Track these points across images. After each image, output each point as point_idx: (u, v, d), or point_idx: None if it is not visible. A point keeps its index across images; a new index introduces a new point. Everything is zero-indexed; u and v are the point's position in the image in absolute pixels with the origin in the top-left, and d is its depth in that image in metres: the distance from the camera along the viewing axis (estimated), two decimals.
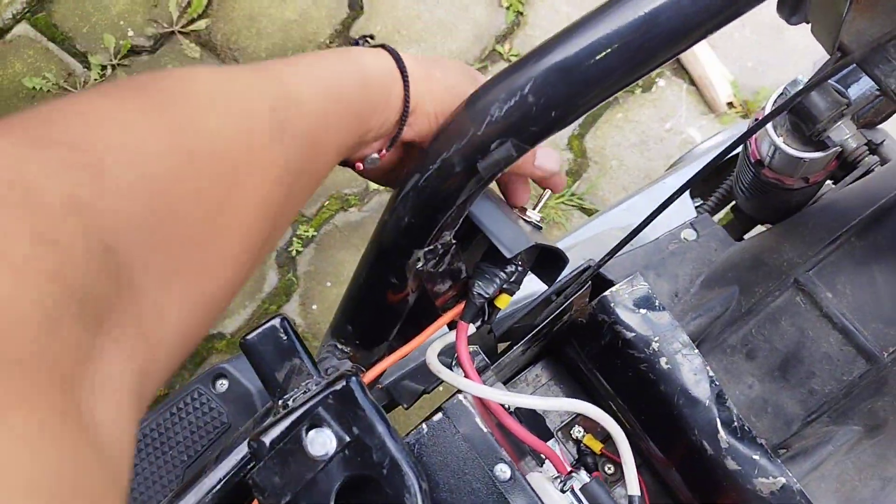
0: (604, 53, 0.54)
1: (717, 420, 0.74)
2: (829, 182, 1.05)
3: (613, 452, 0.88)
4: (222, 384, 0.88)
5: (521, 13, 1.93)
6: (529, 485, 0.58)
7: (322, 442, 0.54)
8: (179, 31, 1.94)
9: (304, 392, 0.58)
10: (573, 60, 0.54)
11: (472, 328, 0.72)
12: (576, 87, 0.54)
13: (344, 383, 0.56)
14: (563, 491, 0.64)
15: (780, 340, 0.86)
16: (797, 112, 0.69)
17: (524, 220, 0.71)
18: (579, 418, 0.91)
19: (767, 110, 0.72)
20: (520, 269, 0.71)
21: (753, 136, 0.80)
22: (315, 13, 1.96)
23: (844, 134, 0.68)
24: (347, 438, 0.54)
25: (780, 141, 0.73)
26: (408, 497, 0.53)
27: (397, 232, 0.63)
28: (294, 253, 1.75)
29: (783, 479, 0.72)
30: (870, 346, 0.81)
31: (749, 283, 0.91)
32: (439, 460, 0.58)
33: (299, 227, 1.75)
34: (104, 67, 1.90)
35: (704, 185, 1.15)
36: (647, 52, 0.54)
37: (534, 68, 0.55)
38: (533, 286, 0.84)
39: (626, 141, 1.80)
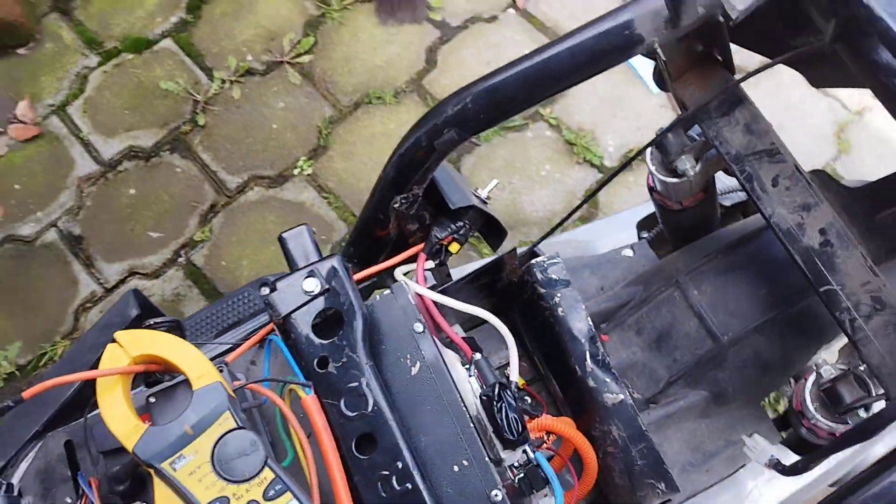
0: (515, 85, 0.91)
1: (587, 352, 1.07)
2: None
3: (535, 391, 1.20)
4: (264, 290, 1.25)
5: None
6: (435, 341, 0.92)
7: (312, 284, 0.90)
8: (288, 62, 2.40)
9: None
10: (498, 86, 0.91)
11: (430, 263, 1.08)
12: (496, 103, 0.92)
13: (333, 258, 0.93)
14: (464, 365, 0.99)
15: (659, 322, 1.18)
16: (659, 147, 1.03)
17: (475, 194, 1.08)
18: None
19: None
20: (467, 225, 1.07)
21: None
22: (398, 62, 2.40)
23: (687, 165, 1.02)
24: (327, 286, 0.90)
25: (652, 168, 1.07)
26: (356, 323, 0.89)
27: (386, 182, 1.01)
28: None
29: (622, 396, 1.04)
30: (715, 330, 1.13)
31: (651, 283, 1.24)
32: (381, 315, 0.93)
33: None
34: (224, 81, 2.38)
35: (653, 221, 1.48)
36: (540, 88, 0.91)
37: (475, 87, 0.92)
38: None
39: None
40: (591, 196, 1.10)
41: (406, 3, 2.43)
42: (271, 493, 0.75)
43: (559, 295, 1.11)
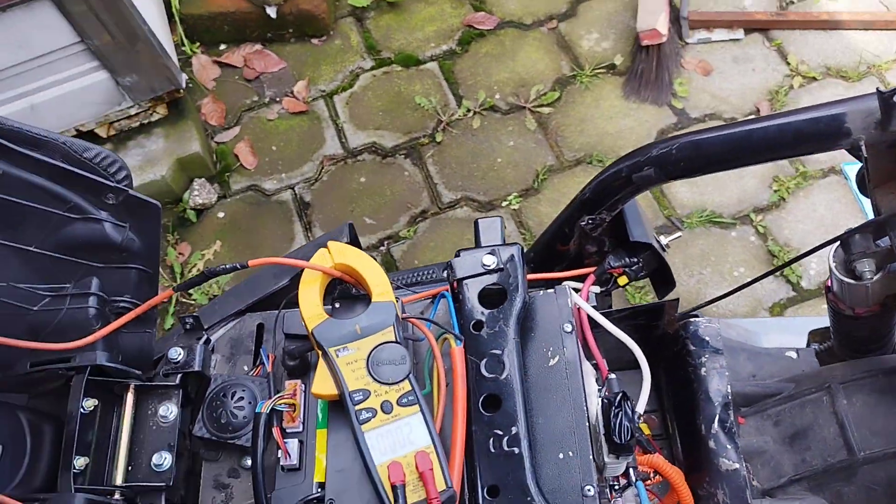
0: (719, 144, 1.00)
1: (717, 416, 1.11)
2: None
3: (659, 446, 1.25)
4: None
5: (784, 199, 2.32)
6: (578, 344, 1.02)
7: (490, 260, 1.04)
8: (529, 108, 2.61)
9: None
10: (705, 143, 1.01)
11: (596, 288, 1.18)
12: (697, 156, 1.01)
13: (514, 246, 1.06)
14: (596, 380, 1.07)
15: (800, 420, 1.19)
16: (843, 246, 1.06)
17: (656, 238, 1.17)
18: (645, 416, 1.31)
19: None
20: (640, 263, 1.16)
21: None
22: (628, 135, 2.52)
23: (866, 268, 1.04)
24: (502, 266, 1.03)
25: (833, 265, 1.10)
26: (516, 302, 1.01)
27: (580, 200, 1.13)
28: None
29: (737, 466, 1.07)
30: (853, 442, 1.12)
31: (803, 383, 1.25)
32: (539, 307, 1.04)
33: None
34: (469, 111, 2.62)
35: (826, 335, 1.48)
36: (742, 153, 0.99)
37: (683, 137, 1.03)
38: None
39: None
40: (761, 277, 1.15)
41: (653, 84, 2.55)
42: (404, 400, 0.88)
43: (706, 356, 1.16)
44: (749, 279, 1.20)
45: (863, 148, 0.93)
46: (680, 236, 1.18)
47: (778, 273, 2.20)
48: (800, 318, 1.62)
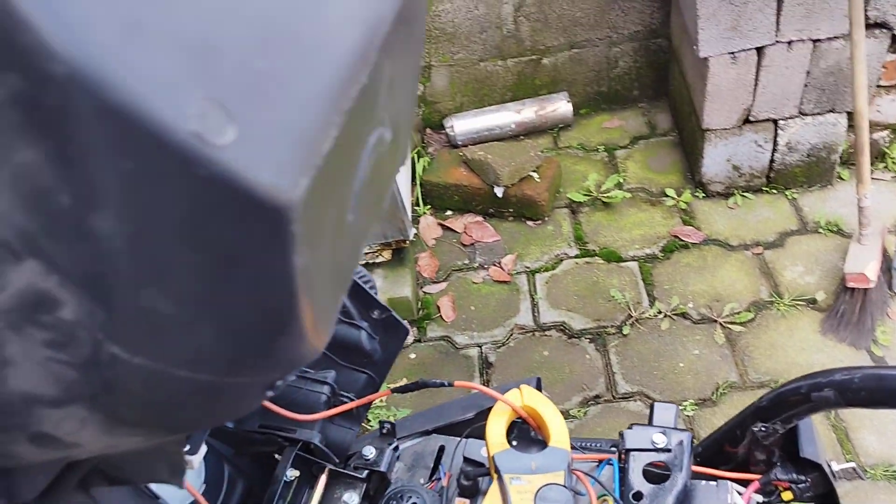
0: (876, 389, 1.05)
1: None
2: None
3: None
4: None
5: None
6: None
7: (660, 439, 1.13)
8: (720, 323, 2.67)
9: None
10: (889, 378, 1.07)
11: (759, 497, 1.22)
12: (878, 389, 1.07)
13: (685, 433, 1.14)
14: None
15: None
16: None
17: (828, 462, 1.20)
18: None
19: None
20: (808, 484, 1.19)
21: None
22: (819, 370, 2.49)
23: None
24: (669, 447, 1.12)
25: None
26: (678, 484, 1.08)
27: (756, 407, 1.20)
28: None
29: None
30: None
31: None
32: (699, 495, 1.10)
33: None
34: (660, 312, 2.73)
35: None
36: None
37: (867, 368, 1.09)
38: None
39: None
40: None
41: (854, 327, 2.53)
42: None
43: None
44: None
45: None
46: (853, 466, 1.20)
47: None
48: None
